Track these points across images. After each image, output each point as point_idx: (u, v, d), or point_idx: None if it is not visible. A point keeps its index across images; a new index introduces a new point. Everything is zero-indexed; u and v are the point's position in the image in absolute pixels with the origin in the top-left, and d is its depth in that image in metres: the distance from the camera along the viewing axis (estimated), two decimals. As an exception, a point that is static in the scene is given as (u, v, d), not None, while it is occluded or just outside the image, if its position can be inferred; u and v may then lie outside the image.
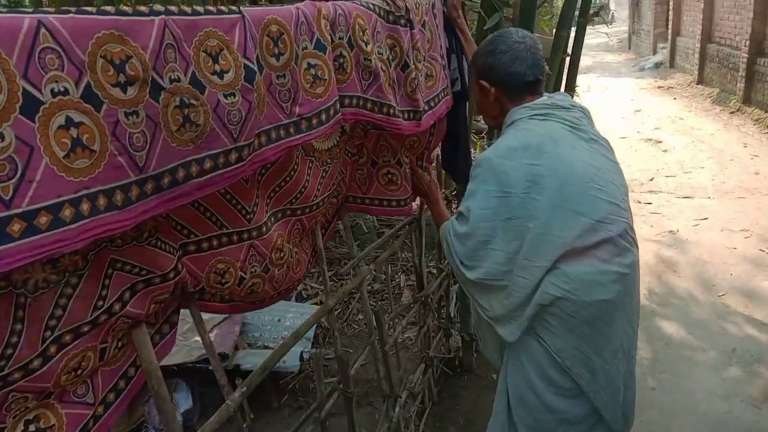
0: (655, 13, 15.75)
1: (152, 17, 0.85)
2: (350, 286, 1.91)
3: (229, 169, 1.00)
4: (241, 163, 1.02)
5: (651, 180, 6.53)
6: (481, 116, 1.87)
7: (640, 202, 5.75)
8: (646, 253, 4.50)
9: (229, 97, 0.98)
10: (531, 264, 1.46)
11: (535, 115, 1.60)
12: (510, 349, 1.61)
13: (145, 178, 0.86)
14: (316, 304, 3.41)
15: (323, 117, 1.27)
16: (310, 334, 2.94)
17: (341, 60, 1.33)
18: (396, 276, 3.87)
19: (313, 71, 1.23)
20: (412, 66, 1.63)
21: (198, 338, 2.34)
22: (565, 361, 1.49)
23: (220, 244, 1.23)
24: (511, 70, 1.62)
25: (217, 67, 0.96)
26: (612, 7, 26.49)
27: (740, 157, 7.19)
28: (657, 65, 14.82)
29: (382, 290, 3.67)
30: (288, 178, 1.36)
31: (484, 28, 2.93)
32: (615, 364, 1.52)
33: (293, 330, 1.61)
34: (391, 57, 1.56)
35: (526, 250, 1.47)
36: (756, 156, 7.15)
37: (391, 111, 1.51)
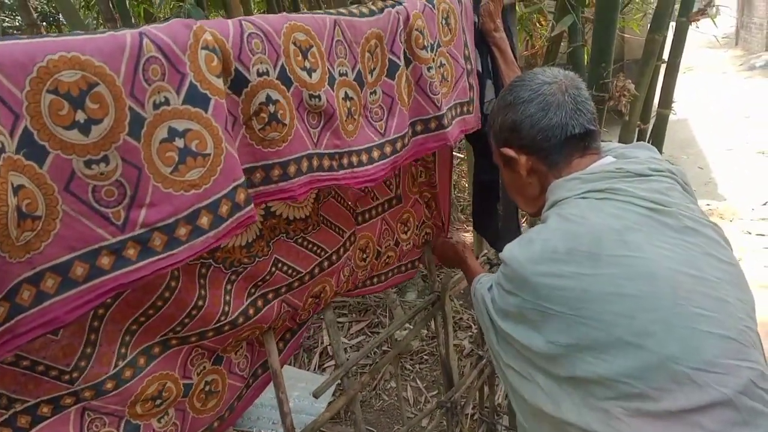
0: (770, 5, 14.10)
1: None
2: (334, 410, 1.38)
3: None
4: None
5: (765, 205, 5.52)
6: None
7: (750, 233, 4.84)
8: (761, 305, 3.64)
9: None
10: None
11: (590, 191, 1.05)
12: None
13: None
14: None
15: (203, 221, 0.76)
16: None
17: (272, 108, 0.88)
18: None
19: (180, 143, 0.73)
20: (413, 62, 1.20)
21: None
22: None
23: None
24: (544, 124, 1.10)
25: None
26: (717, -2, 24.33)
27: None
28: (770, 63, 13.25)
29: (421, 350, 3.08)
30: (161, 302, 0.95)
31: (551, 34, 2.29)
32: None
33: (298, 413, 1.48)
34: (370, 68, 1.11)
35: (575, 377, 0.97)
36: None
37: (357, 159, 1.08)
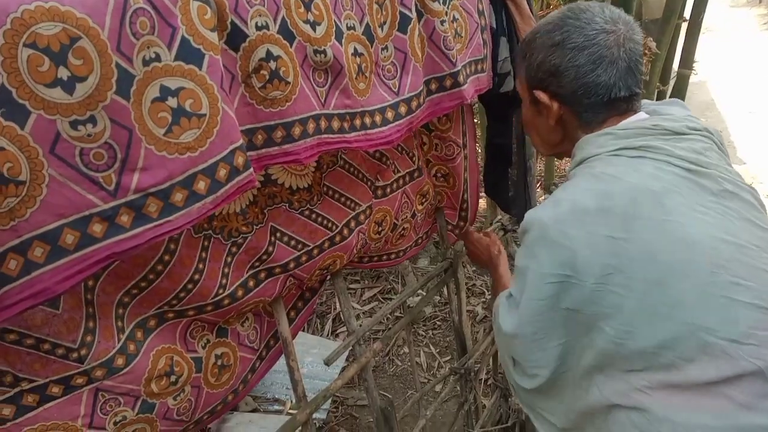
0: (796, -41, 13.53)
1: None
2: (346, 378, 1.37)
3: None
4: None
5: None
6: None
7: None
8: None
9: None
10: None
11: (624, 148, 0.97)
12: None
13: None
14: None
15: (200, 185, 0.70)
16: (327, 404, 2.41)
17: (273, 64, 0.83)
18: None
19: (173, 102, 0.66)
20: (425, 15, 1.13)
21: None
22: None
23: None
24: (590, 79, 1.00)
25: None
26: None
27: None
28: (795, 21, 12.77)
29: (434, 316, 3.06)
30: (154, 275, 0.89)
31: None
32: None
33: (311, 378, 1.48)
34: (380, 21, 1.04)
35: (595, 362, 0.93)
36: None
37: (370, 120, 1.02)
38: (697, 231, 0.89)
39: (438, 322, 3.02)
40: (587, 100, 1.01)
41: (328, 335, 2.98)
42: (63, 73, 0.60)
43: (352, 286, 3.32)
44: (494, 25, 1.41)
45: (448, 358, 2.79)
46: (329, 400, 2.42)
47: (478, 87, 1.31)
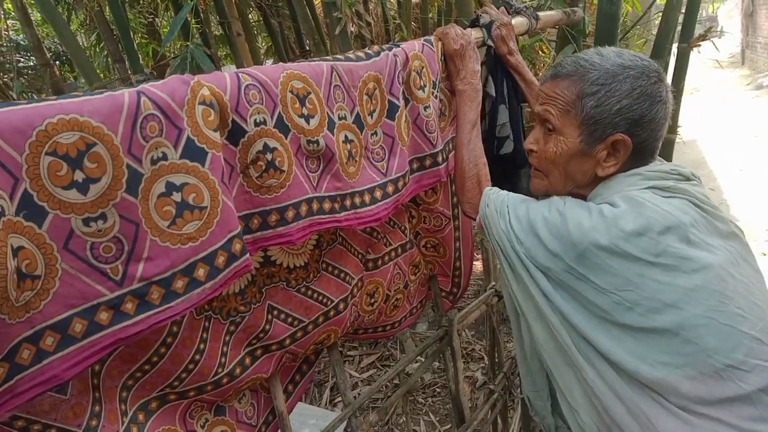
0: (774, 24, 14.12)
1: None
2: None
3: None
4: None
5: (780, 225, 5.45)
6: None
7: (765, 255, 4.75)
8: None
9: None
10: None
11: (653, 188, 1.06)
12: None
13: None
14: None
15: (200, 273, 0.75)
16: None
17: (269, 156, 0.89)
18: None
19: (177, 197, 0.72)
20: (411, 102, 1.23)
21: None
22: None
23: None
24: (658, 132, 1.09)
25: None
26: (720, 19, 24.43)
27: None
28: (777, 82, 13.21)
29: (433, 383, 3.05)
30: (157, 357, 0.91)
31: (554, 63, 2.30)
32: None
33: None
34: (369, 110, 1.13)
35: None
36: None
37: (360, 200, 1.09)
38: (711, 265, 0.99)
39: (438, 389, 3.00)
40: (645, 152, 1.10)
41: (326, 405, 2.95)
42: (78, 176, 0.67)
43: (350, 353, 3.31)
44: (494, 94, 1.51)
45: (449, 426, 2.76)
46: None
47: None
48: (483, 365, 3.07)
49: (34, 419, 0.76)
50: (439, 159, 1.29)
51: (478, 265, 3.74)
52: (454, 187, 1.53)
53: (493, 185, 1.52)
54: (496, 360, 2.13)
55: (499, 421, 2.21)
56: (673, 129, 3.23)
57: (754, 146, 8.53)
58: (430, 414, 2.84)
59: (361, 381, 3.09)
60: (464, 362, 3.16)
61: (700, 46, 3.10)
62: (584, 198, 1.13)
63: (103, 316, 0.70)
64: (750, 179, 7.00)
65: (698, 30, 3.22)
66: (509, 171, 1.62)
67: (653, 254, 0.97)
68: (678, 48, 2.99)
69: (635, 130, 1.06)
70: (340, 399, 2.95)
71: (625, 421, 1.01)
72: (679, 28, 2.83)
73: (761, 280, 1.09)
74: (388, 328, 1.55)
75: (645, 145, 1.08)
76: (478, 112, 1.38)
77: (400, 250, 1.43)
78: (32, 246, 0.64)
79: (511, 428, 2.39)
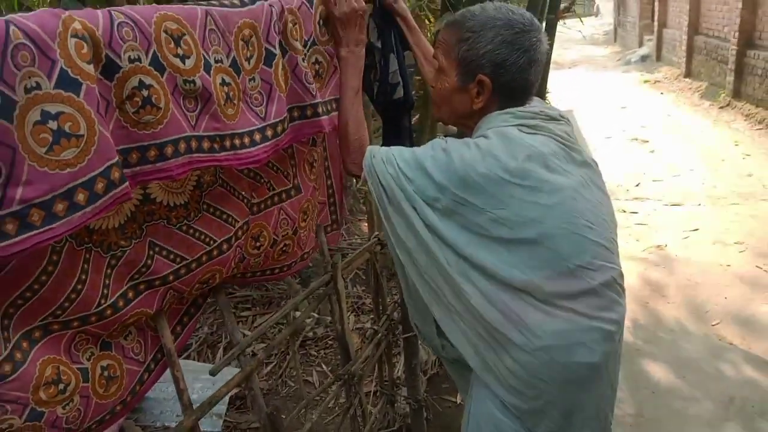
0: (641, 5, 15.39)
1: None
2: (232, 386, 1.45)
3: None
4: None
5: (637, 186, 6.12)
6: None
7: (625, 212, 5.33)
8: (630, 275, 4.06)
9: None
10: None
11: (522, 125, 1.27)
12: (470, 415, 1.40)
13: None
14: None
15: (80, 197, 0.80)
16: (221, 409, 2.45)
17: (145, 92, 0.93)
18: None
19: (53, 125, 0.76)
20: (288, 52, 1.30)
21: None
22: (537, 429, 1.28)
23: None
24: (526, 76, 1.29)
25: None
26: (598, 0, 26.07)
27: (732, 157, 6.81)
28: (643, 58, 14.48)
29: (325, 336, 3.18)
30: (38, 285, 0.94)
31: (435, 30, 2.46)
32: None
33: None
34: (246, 56, 1.18)
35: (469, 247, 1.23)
36: (748, 156, 6.77)
37: (239, 142, 1.15)
38: (566, 187, 1.23)
39: (329, 341, 3.14)
40: (513, 92, 1.29)
41: (220, 363, 3.01)
42: (-52, 100, 0.69)
43: (243, 313, 3.36)
44: (379, 46, 1.61)
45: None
46: (221, 423, 2.45)
47: (332, 125, 1.45)
48: (372, 317, 3.25)
49: None
50: (320, 110, 1.37)
51: (364, 226, 3.89)
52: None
53: (386, 128, 1.69)
54: (381, 305, 2.28)
55: (384, 360, 2.38)
56: (542, 96, 3.50)
57: (621, 116, 9.36)
58: (323, 365, 2.98)
59: (256, 341, 3.15)
60: (355, 315, 3.33)
61: (565, 17, 3.39)
62: (471, 129, 1.35)
63: (-18, 235, 0.73)
64: (614, 146, 7.71)
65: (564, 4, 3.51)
66: (400, 114, 1.78)
67: (520, 177, 1.19)
68: (546, 19, 3.24)
69: (499, 71, 1.27)
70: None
71: (499, 320, 1.21)
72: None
73: (608, 202, 1.36)
74: (277, 271, 1.63)
75: (511, 86, 1.29)
76: (360, 79, 1.50)
77: (284, 195, 1.51)
78: None
79: (396, 368, 2.58)
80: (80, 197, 0.82)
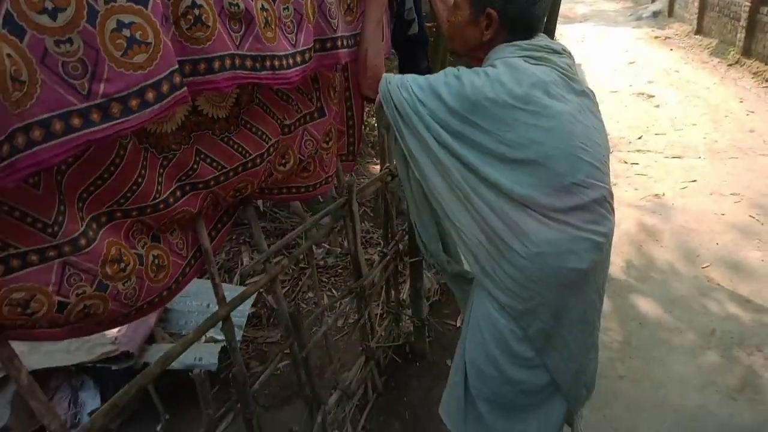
0: (656, -42, 14.99)
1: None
2: (259, 286, 1.63)
3: None
4: None
5: (639, 138, 6.22)
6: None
7: (626, 162, 5.46)
8: (626, 220, 4.24)
9: None
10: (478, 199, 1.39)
11: (527, 56, 1.41)
12: (470, 316, 1.56)
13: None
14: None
15: (150, 96, 0.94)
16: (240, 321, 2.66)
17: (196, 11, 1.06)
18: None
19: (127, 32, 0.90)
20: None
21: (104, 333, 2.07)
22: (528, 330, 1.44)
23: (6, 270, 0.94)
24: (532, 11, 1.43)
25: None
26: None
27: (735, 113, 6.87)
28: (655, 14, 14.26)
29: (336, 265, 3.39)
30: (107, 174, 1.09)
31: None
32: (574, 333, 1.48)
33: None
34: None
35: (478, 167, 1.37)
36: (752, 112, 6.83)
37: (278, 63, 1.29)
38: (565, 112, 1.36)
39: (340, 270, 3.35)
40: (520, 27, 1.43)
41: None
42: (48, 5, 0.83)
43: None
44: None
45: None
46: (241, 334, 2.67)
47: (350, 57, 1.60)
48: (380, 250, 3.44)
49: (15, 206, 0.95)
50: (339, 43, 1.51)
51: (373, 168, 4.04)
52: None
53: (402, 62, 1.84)
54: (390, 231, 2.46)
55: (392, 285, 2.58)
56: (550, 33, 3.57)
57: (628, 71, 9.35)
58: (333, 290, 3.19)
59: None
60: (363, 247, 3.52)
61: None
62: (481, 62, 1.48)
63: (76, 121, 0.89)
64: (621, 99, 7.76)
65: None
66: (415, 49, 1.91)
67: (524, 102, 1.32)
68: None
69: (507, 6, 1.41)
70: (250, 281, 3.22)
71: (500, 227, 1.38)
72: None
73: (602, 128, 1.50)
74: (303, 190, 1.79)
75: (518, 20, 1.43)
76: (383, 12, 1.64)
77: (308, 118, 1.66)
78: (17, 56, 0.81)
79: (402, 293, 2.78)
80: (150, 96, 0.97)
